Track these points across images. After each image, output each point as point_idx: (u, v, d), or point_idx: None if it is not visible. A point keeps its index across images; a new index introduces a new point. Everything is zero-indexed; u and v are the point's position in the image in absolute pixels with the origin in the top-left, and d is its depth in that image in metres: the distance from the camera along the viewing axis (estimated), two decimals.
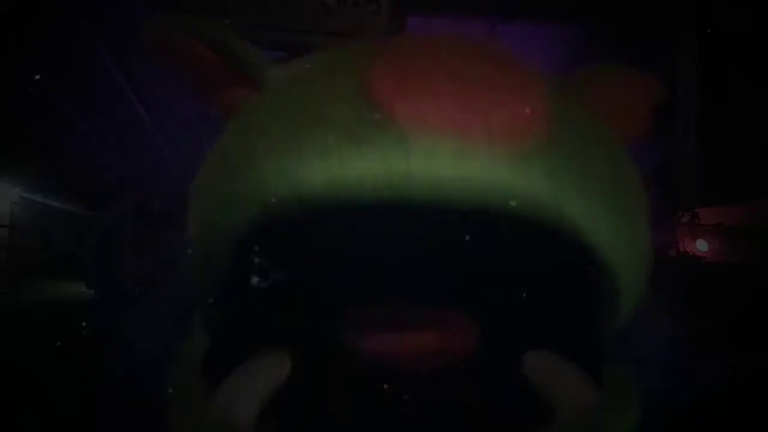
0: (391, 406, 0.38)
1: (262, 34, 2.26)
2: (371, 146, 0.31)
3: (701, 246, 3.11)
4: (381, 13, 2.23)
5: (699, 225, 3.08)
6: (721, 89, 2.73)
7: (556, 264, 0.38)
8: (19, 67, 3.15)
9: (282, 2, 2.23)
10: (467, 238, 0.34)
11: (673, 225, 3.14)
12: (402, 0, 2.25)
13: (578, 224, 0.35)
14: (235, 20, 2.26)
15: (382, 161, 0.32)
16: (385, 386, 0.38)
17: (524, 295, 0.37)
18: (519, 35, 2.68)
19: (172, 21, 0.55)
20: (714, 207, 3.06)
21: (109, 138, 3.90)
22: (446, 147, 0.31)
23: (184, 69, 0.57)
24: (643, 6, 2.55)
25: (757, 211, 2.87)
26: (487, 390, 0.39)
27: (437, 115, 0.31)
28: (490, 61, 0.34)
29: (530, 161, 0.32)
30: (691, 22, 2.65)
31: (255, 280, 0.40)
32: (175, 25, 0.55)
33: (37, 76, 3.25)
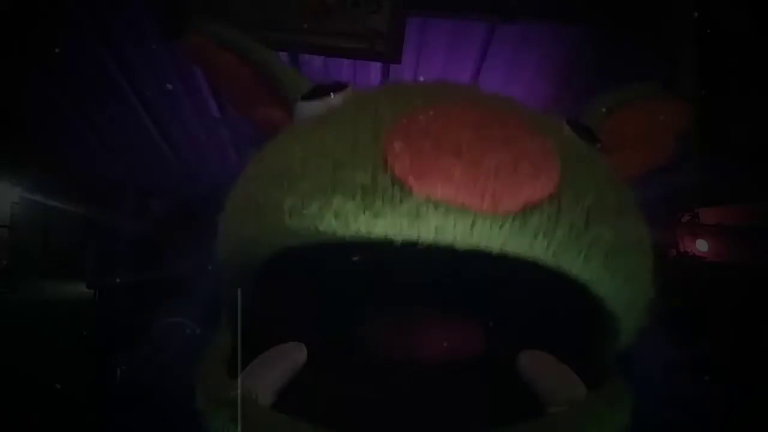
0: (400, 395, 0.41)
1: (262, 34, 2.26)
2: (385, 218, 0.34)
3: (701, 246, 3.11)
4: (381, 13, 2.23)
5: (699, 225, 3.08)
6: (721, 89, 2.73)
7: (552, 294, 0.40)
8: (19, 67, 3.15)
9: (282, 2, 2.22)
10: (468, 273, 0.37)
11: (673, 225, 3.14)
12: (402, 0, 2.25)
13: (579, 281, 0.38)
14: (235, 19, 2.26)
15: (394, 230, 0.35)
16: (396, 377, 0.41)
17: (521, 312, 0.39)
18: (519, 35, 2.68)
19: (210, 32, 0.57)
20: (714, 207, 3.05)
21: (110, 138, 3.90)
22: (455, 224, 0.34)
23: (218, 80, 0.60)
24: (643, 6, 2.54)
25: (757, 211, 2.87)
26: (485, 383, 0.42)
27: (448, 193, 0.33)
28: (503, 135, 0.34)
29: (536, 234, 0.34)
30: (691, 22, 2.65)
31: (279, 294, 0.44)
32: (213, 36, 0.57)
33: (38, 76, 3.25)
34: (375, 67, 2.91)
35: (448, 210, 0.33)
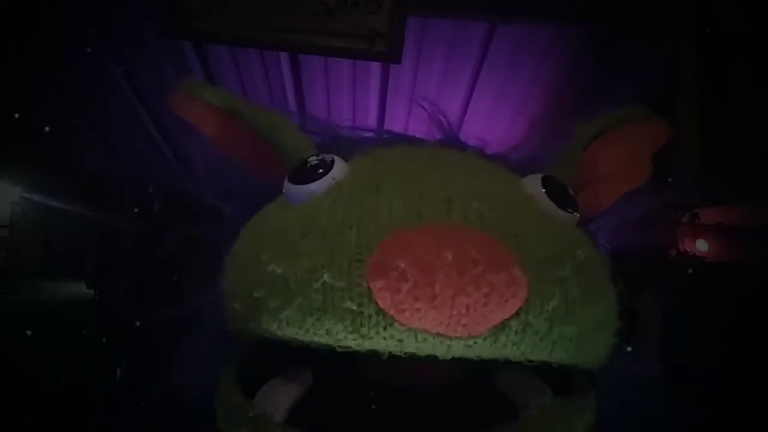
0: (397, 408, 0.47)
1: (262, 34, 2.26)
2: (371, 339, 0.40)
3: (701, 246, 3.11)
4: (381, 13, 2.23)
5: (699, 225, 3.08)
6: (721, 89, 2.73)
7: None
8: (19, 67, 3.14)
9: (282, 2, 2.22)
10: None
11: (673, 225, 3.14)
12: (402, 0, 2.25)
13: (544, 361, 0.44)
14: (235, 20, 2.26)
15: (379, 348, 0.40)
16: (392, 394, 0.47)
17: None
18: (519, 35, 2.68)
19: (197, 92, 0.59)
20: (714, 207, 3.06)
21: (110, 138, 3.90)
22: (434, 346, 0.40)
23: (211, 137, 0.61)
24: (643, 5, 2.54)
25: (757, 211, 2.87)
26: (469, 398, 0.48)
27: (425, 326, 0.39)
28: (473, 273, 0.38)
29: (505, 346, 0.40)
30: (691, 22, 2.65)
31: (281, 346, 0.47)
32: (200, 97, 0.58)
33: (38, 76, 3.25)
34: (375, 67, 2.91)
35: (426, 337, 0.39)
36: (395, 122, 3.16)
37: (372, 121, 3.19)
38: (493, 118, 3.14)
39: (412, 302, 0.38)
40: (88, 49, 2.93)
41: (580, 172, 0.58)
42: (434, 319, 0.38)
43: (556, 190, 0.52)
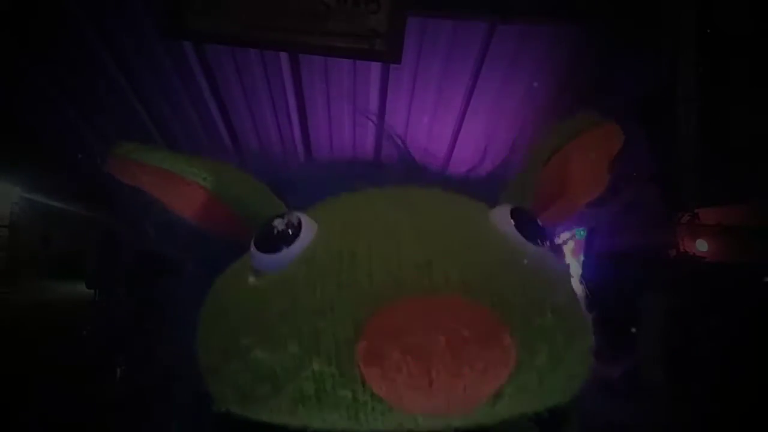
0: None
1: (262, 34, 2.26)
2: (370, 424, 0.40)
3: (701, 246, 3.11)
4: (381, 13, 2.23)
5: (699, 225, 3.08)
6: (721, 89, 2.73)
7: None
8: (19, 66, 3.15)
9: (282, 2, 2.22)
10: None
11: (673, 225, 3.15)
12: (402, 0, 2.25)
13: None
14: (235, 20, 2.26)
15: (375, 428, 0.40)
16: None
17: None
18: (519, 35, 2.69)
19: (133, 155, 0.57)
20: (714, 207, 3.06)
21: (110, 137, 3.91)
22: (433, 423, 0.40)
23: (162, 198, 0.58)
24: (643, 5, 2.55)
25: (757, 211, 2.87)
26: None
27: (425, 410, 0.39)
28: (466, 353, 0.38)
29: (502, 412, 0.41)
30: (691, 22, 2.65)
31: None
32: (137, 159, 0.57)
33: (39, 77, 3.25)
34: (375, 67, 2.91)
35: (425, 418, 0.40)
36: (395, 123, 3.15)
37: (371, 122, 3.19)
38: (493, 118, 3.15)
39: (409, 391, 0.38)
40: (89, 50, 2.94)
41: (539, 190, 0.58)
42: (432, 404, 0.38)
43: (525, 223, 0.52)
